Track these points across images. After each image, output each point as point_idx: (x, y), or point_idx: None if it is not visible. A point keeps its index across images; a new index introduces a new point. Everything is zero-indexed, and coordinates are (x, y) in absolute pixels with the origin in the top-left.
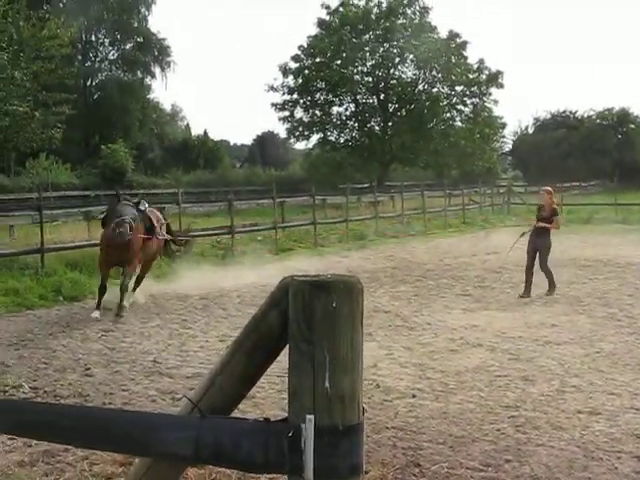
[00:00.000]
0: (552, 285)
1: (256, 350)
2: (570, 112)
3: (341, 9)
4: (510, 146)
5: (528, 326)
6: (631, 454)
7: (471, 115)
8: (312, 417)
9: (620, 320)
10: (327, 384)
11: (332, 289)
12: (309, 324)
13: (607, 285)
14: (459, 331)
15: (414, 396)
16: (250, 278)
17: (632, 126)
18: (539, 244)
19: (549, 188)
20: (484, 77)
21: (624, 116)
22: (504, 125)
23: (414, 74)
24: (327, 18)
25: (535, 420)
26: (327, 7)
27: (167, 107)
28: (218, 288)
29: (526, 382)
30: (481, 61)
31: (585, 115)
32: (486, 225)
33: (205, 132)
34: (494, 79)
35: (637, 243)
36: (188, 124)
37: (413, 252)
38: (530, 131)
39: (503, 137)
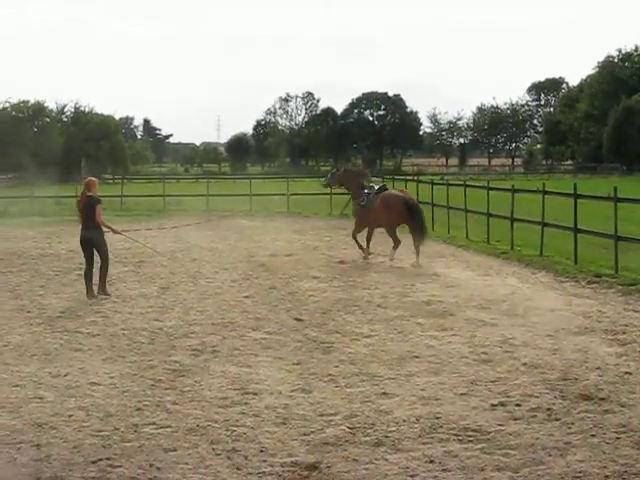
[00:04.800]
0: None
1: None
2: None
3: None
4: None
5: None
6: (31, 443)
7: None
8: None
9: (30, 312)
10: None
11: None
12: None
13: (19, 277)
14: None
15: None
16: None
17: (47, 120)
18: None
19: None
20: None
21: (39, 109)
22: None
23: None
24: None
25: None
26: None
27: None
28: None
29: None
30: None
31: (1, 107)
32: None
33: None
34: None
35: (52, 235)
36: None
37: None
38: None
39: None
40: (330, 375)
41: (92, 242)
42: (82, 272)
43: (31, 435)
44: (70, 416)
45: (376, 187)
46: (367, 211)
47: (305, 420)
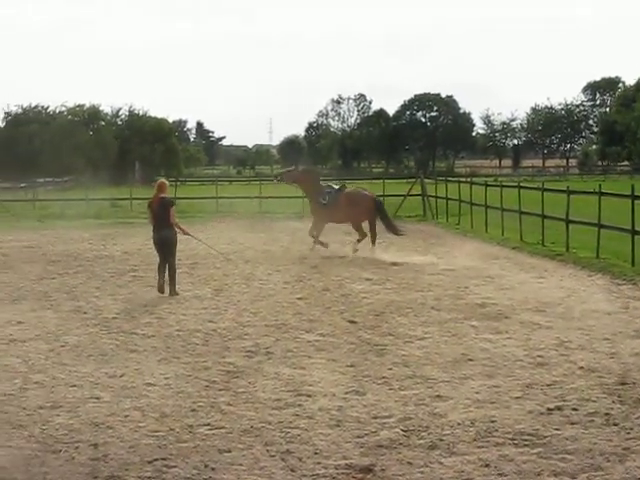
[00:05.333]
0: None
1: None
2: (42, 107)
3: None
4: None
5: None
6: (89, 442)
7: None
8: None
9: (86, 313)
10: None
11: None
12: None
13: (76, 279)
14: None
15: None
16: None
17: (102, 123)
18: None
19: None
20: None
21: (95, 113)
22: None
23: None
24: None
25: None
26: None
27: None
28: None
29: None
30: None
31: (57, 111)
32: None
33: None
34: None
35: (107, 237)
36: None
37: None
38: (1, 125)
39: None
40: (384, 377)
41: (166, 242)
42: (156, 266)
43: (88, 434)
44: (126, 416)
45: (336, 187)
46: (330, 208)
47: (359, 422)
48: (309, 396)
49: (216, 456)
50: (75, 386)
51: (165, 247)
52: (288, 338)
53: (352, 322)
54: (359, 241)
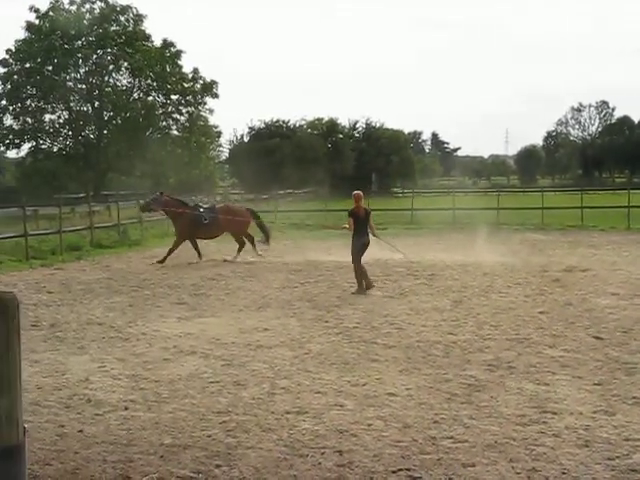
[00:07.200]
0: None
1: None
2: (283, 122)
3: (51, 13)
4: (227, 155)
5: (242, 331)
6: (334, 449)
7: (187, 124)
8: None
9: (328, 321)
10: None
11: None
12: None
13: (317, 288)
14: (173, 340)
15: (126, 408)
16: None
17: (340, 136)
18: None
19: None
20: (199, 86)
21: (333, 126)
22: (220, 134)
23: (129, 82)
24: (36, 22)
25: (245, 423)
26: (36, 10)
27: None
28: None
29: (238, 387)
30: (195, 70)
31: (297, 125)
32: None
33: None
34: (209, 88)
35: (347, 247)
36: None
37: (129, 262)
38: (246, 140)
39: (220, 146)
40: (634, 398)
41: (367, 245)
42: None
43: (334, 441)
44: (369, 425)
45: (205, 206)
46: (208, 225)
47: (609, 444)
48: (554, 413)
49: (460, 470)
50: (319, 393)
51: (365, 249)
52: (530, 353)
53: (598, 338)
54: (239, 250)
